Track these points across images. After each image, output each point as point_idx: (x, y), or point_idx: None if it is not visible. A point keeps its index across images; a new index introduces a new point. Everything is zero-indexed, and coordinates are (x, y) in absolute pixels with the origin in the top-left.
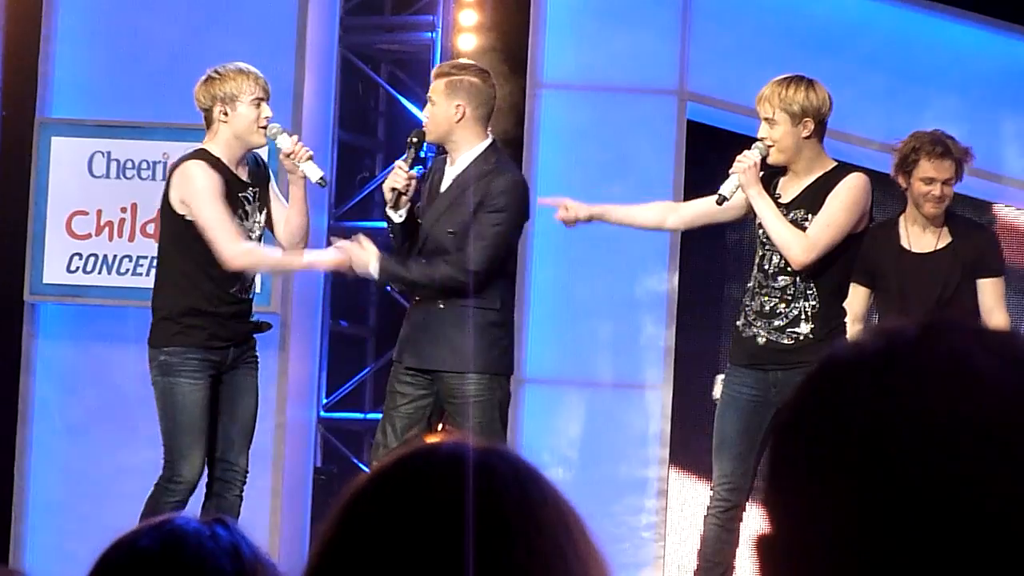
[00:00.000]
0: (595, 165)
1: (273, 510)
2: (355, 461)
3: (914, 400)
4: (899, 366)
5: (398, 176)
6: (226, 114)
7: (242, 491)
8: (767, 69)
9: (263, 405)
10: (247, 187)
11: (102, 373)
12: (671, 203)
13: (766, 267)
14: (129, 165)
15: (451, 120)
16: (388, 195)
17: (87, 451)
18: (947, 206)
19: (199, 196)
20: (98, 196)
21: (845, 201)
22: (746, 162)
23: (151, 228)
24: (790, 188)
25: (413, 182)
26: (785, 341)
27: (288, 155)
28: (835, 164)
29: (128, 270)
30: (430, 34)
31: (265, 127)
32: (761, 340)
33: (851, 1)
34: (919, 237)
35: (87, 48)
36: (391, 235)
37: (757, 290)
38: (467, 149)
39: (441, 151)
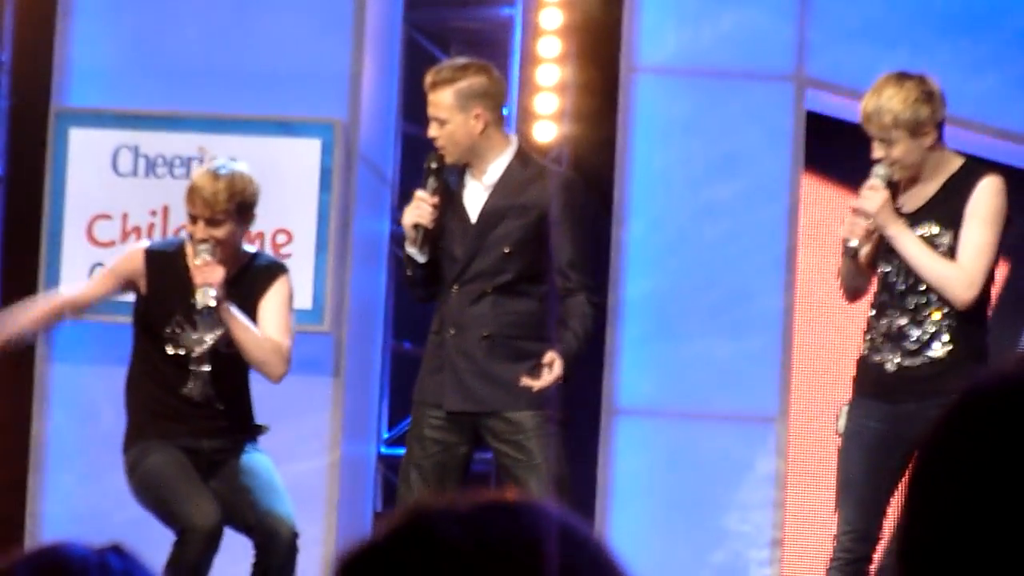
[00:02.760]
0: (699, 161)
1: (325, 561)
2: None
3: None
4: None
5: (422, 210)
6: None
7: (291, 543)
8: (897, 52)
9: (315, 440)
10: None
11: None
12: None
13: (893, 284)
14: (160, 162)
15: (473, 134)
16: (411, 233)
17: (103, 490)
18: None
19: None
20: (124, 197)
21: (987, 217)
22: (875, 200)
23: (184, 234)
24: (913, 197)
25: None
26: (918, 367)
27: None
28: (962, 162)
29: None
30: (508, 9)
31: (195, 244)
32: (890, 367)
33: None
34: None
35: (110, 26)
36: (408, 276)
37: (883, 310)
38: (496, 158)
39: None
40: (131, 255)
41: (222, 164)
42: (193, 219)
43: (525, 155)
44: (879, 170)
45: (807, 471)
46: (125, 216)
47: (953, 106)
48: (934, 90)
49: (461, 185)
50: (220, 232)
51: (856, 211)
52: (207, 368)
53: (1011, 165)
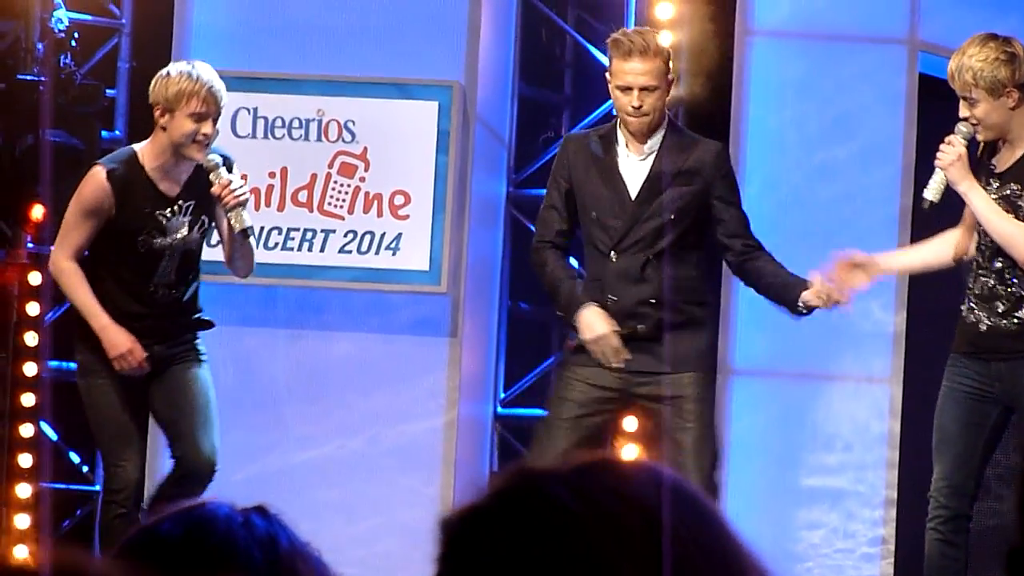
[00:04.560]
0: (813, 124)
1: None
2: None
3: None
4: None
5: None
6: (165, 119)
7: (203, 484)
8: (1008, 17)
9: (432, 401)
10: (172, 202)
11: (244, 358)
12: (946, 239)
13: (983, 246)
14: (279, 123)
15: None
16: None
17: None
18: None
19: (73, 201)
20: (243, 158)
21: None
22: (950, 155)
23: (303, 196)
24: (1004, 157)
25: None
26: (1008, 326)
27: (218, 196)
28: None
29: (277, 244)
30: None
31: (201, 142)
32: (983, 327)
33: None
34: None
35: None
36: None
37: (977, 271)
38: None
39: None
40: (95, 188)
41: (189, 63)
42: (201, 118)
43: (676, 126)
44: (961, 127)
45: (920, 432)
46: (244, 177)
47: None
48: (1018, 52)
49: (613, 155)
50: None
51: (936, 165)
52: (172, 262)
53: None
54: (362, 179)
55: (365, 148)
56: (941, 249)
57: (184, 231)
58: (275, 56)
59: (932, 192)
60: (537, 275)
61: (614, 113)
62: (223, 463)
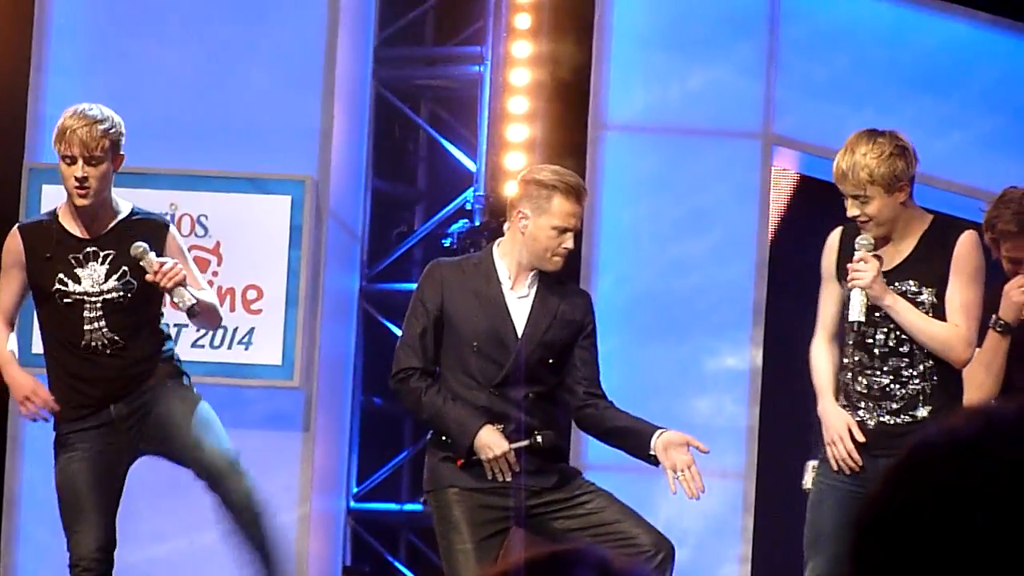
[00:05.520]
0: (668, 218)
1: None
2: (389, 558)
3: (1014, 497)
4: (996, 453)
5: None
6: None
7: (237, 478)
8: (864, 110)
9: (285, 495)
10: (83, 246)
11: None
12: (827, 339)
13: (871, 346)
14: None
15: None
16: None
17: None
18: None
19: None
20: None
21: (972, 274)
22: (869, 271)
23: None
24: (888, 254)
25: None
26: (900, 425)
27: (155, 283)
28: (931, 218)
29: None
30: (478, 68)
31: (77, 188)
32: (872, 424)
33: (964, 31)
34: None
35: (83, 83)
36: None
37: (860, 369)
38: None
39: None
40: (8, 242)
41: (87, 105)
42: (71, 160)
43: None
44: (862, 241)
45: (774, 525)
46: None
47: (919, 164)
48: (907, 145)
49: (496, 287)
50: (97, 172)
51: (852, 285)
52: (100, 315)
53: (976, 221)
54: (215, 273)
55: (218, 242)
56: (834, 363)
57: (101, 280)
58: (128, 149)
59: (857, 313)
60: (407, 402)
61: (475, 223)
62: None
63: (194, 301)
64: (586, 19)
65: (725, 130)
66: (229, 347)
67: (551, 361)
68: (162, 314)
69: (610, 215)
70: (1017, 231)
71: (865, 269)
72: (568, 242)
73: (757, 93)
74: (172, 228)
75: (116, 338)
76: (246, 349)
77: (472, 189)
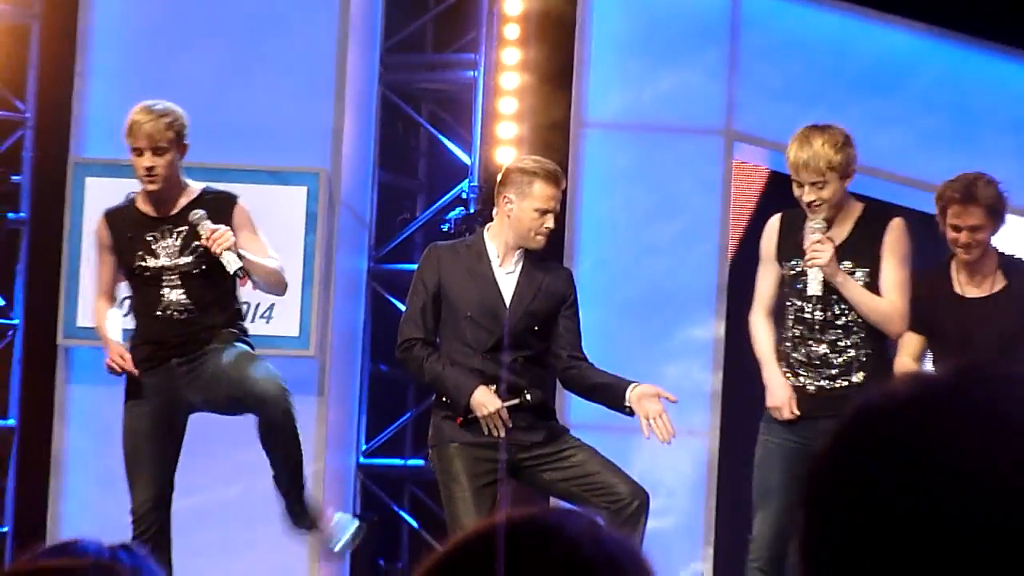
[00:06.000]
0: (640, 206)
1: (311, 558)
2: (395, 508)
3: (948, 450)
4: (932, 414)
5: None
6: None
7: (283, 403)
8: (816, 109)
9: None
10: (159, 224)
11: None
12: (765, 313)
13: (808, 319)
14: None
15: None
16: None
17: (122, 502)
18: (996, 250)
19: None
20: None
21: (903, 256)
22: (827, 251)
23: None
24: (835, 234)
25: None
26: (839, 388)
27: (205, 242)
28: (863, 204)
29: None
30: (472, 72)
31: (144, 176)
32: (812, 389)
33: (904, 39)
34: (970, 282)
35: (122, 86)
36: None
37: (800, 340)
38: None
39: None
40: (97, 229)
41: (153, 101)
42: (139, 152)
43: None
44: (817, 224)
45: (735, 480)
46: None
47: (864, 157)
48: (850, 136)
49: (487, 264)
50: (163, 161)
51: (810, 264)
52: (177, 284)
53: (915, 209)
54: None
55: None
56: (771, 334)
57: (176, 254)
58: None
59: (815, 288)
60: (411, 369)
61: (470, 210)
62: (117, 512)
63: (239, 265)
64: (568, 29)
65: (691, 127)
66: (252, 320)
67: (536, 328)
68: (237, 295)
69: (590, 204)
70: (960, 199)
71: (823, 250)
72: (549, 222)
73: (720, 94)
74: (240, 201)
75: (190, 304)
76: (267, 322)
77: (467, 180)
